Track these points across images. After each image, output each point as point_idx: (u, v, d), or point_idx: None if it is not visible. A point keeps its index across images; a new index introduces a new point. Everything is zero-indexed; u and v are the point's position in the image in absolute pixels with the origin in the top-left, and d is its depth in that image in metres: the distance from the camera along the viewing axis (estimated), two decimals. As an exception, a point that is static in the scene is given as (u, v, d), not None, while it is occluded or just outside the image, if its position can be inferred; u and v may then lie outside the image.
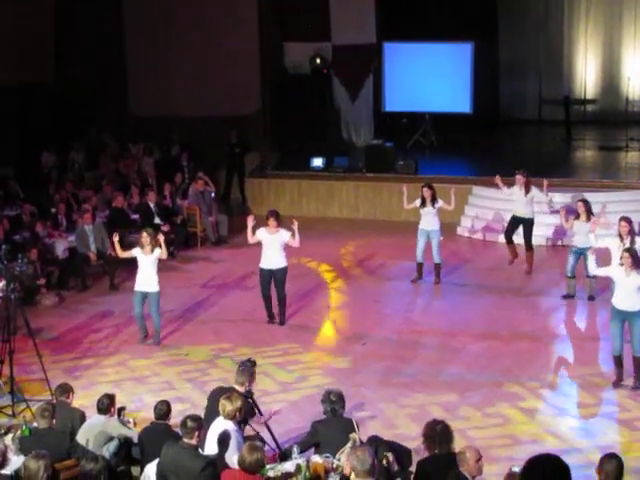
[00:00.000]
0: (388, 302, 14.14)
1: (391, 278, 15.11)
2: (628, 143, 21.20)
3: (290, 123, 21.43)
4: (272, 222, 12.68)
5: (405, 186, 15.17)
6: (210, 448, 7.63)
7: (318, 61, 22.01)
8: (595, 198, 16.78)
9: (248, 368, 8.48)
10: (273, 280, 12.89)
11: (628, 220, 11.78)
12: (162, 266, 15.97)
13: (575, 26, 24.78)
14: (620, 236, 11.71)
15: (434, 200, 14.46)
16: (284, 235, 12.75)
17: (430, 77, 21.98)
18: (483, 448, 7.30)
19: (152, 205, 16.89)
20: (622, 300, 10.40)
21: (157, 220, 16.77)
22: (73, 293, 14.78)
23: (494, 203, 17.38)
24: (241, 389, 8.33)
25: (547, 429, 9.66)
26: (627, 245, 11.38)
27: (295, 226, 12.66)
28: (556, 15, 24.85)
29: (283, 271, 12.85)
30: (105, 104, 21.56)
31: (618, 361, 10.57)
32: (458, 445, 7.19)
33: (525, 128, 24.22)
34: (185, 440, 7.18)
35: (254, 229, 12.78)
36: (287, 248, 12.84)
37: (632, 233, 11.70)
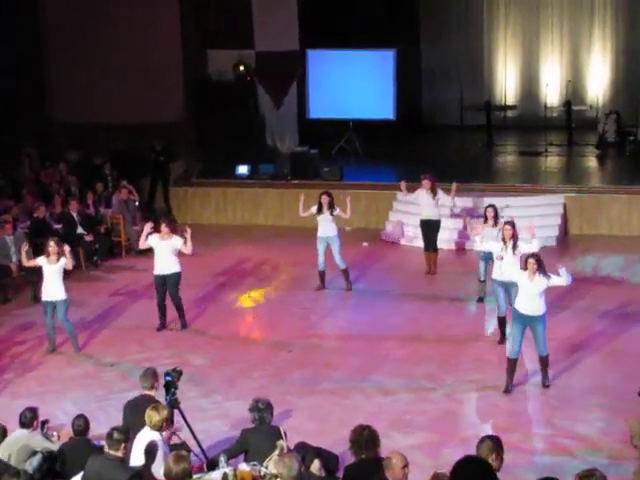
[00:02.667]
0: (313, 309, 14.15)
1: (316, 285, 15.12)
2: (547, 148, 21.63)
3: (215, 130, 21.34)
4: (164, 228, 12.88)
5: (302, 194, 15.19)
6: (136, 459, 7.55)
7: (242, 68, 21.97)
8: (515, 202, 17.20)
9: (151, 371, 8.59)
10: (167, 286, 12.96)
11: (512, 224, 11.81)
12: (86, 276, 15.99)
13: (495, 33, 25.22)
14: (503, 240, 11.76)
15: (332, 207, 14.57)
16: (176, 241, 12.91)
17: (354, 84, 22.08)
18: (409, 453, 7.36)
19: (75, 214, 16.67)
20: (525, 305, 10.54)
21: (80, 229, 16.56)
22: (-6, 305, 14.52)
23: (418, 208, 17.56)
24: (152, 393, 8.40)
25: (472, 432, 9.78)
26: (509, 249, 11.56)
27: (188, 234, 12.80)
28: (476, 23, 25.25)
29: (175, 276, 12.96)
30: (24, 111, 21.15)
31: (513, 365, 10.70)
32: (385, 450, 7.25)
33: (448, 133, 24.51)
34: (110, 452, 7.10)
35: (148, 236, 12.98)
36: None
37: (515, 237, 11.70)
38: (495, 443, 6.33)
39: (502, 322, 12.22)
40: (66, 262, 12.33)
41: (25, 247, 12.90)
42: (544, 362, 10.79)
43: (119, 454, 7.09)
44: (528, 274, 10.48)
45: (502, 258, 11.38)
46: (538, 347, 10.71)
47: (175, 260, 12.97)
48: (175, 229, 13.12)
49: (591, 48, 24.47)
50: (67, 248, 12.53)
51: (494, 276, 12.00)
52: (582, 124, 22.91)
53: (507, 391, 10.72)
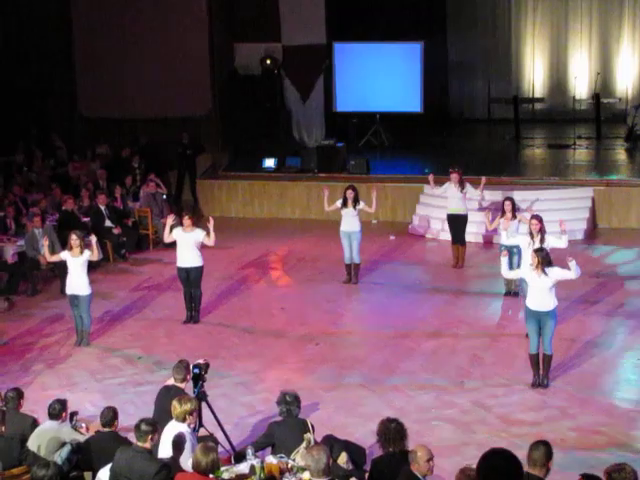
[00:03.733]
0: (341, 302, 14.15)
1: (343, 279, 15.10)
2: (576, 141, 21.47)
3: (241, 124, 21.38)
4: (187, 221, 12.91)
5: (326, 188, 15.25)
6: (164, 451, 7.58)
7: (268, 62, 21.99)
8: (544, 196, 17.11)
9: (184, 364, 8.60)
10: (189, 279, 13.01)
11: (539, 218, 11.75)
12: (113, 268, 16.07)
13: (523, 26, 25.05)
14: (531, 234, 11.71)
15: (356, 202, 14.57)
16: (198, 234, 12.90)
17: (380, 77, 22.04)
18: (436, 446, 7.34)
19: (103, 207, 16.75)
20: (535, 301, 10.46)
21: (108, 222, 16.64)
22: (23, 297, 14.60)
23: (445, 202, 17.49)
24: (183, 385, 8.48)
25: (500, 427, 9.74)
26: (537, 243, 11.48)
27: (211, 225, 12.79)
28: (504, 15, 25.10)
29: (198, 270, 12.98)
30: (53, 105, 21.29)
31: (535, 360, 10.65)
32: (412, 443, 7.23)
33: (475, 127, 24.41)
34: (139, 444, 7.12)
35: (172, 228, 13.00)
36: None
37: (542, 231, 11.65)
38: (549, 449, 6.00)
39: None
40: (91, 254, 12.32)
41: (46, 242, 12.88)
42: (547, 361, 10.62)
43: (147, 445, 7.11)
44: (536, 270, 10.38)
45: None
46: (544, 345, 10.54)
47: (198, 253, 12.96)
48: (198, 222, 13.11)
49: (620, 40, 24.25)
50: (93, 238, 12.56)
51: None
52: (611, 117, 22.76)
53: (534, 385, 10.65)
